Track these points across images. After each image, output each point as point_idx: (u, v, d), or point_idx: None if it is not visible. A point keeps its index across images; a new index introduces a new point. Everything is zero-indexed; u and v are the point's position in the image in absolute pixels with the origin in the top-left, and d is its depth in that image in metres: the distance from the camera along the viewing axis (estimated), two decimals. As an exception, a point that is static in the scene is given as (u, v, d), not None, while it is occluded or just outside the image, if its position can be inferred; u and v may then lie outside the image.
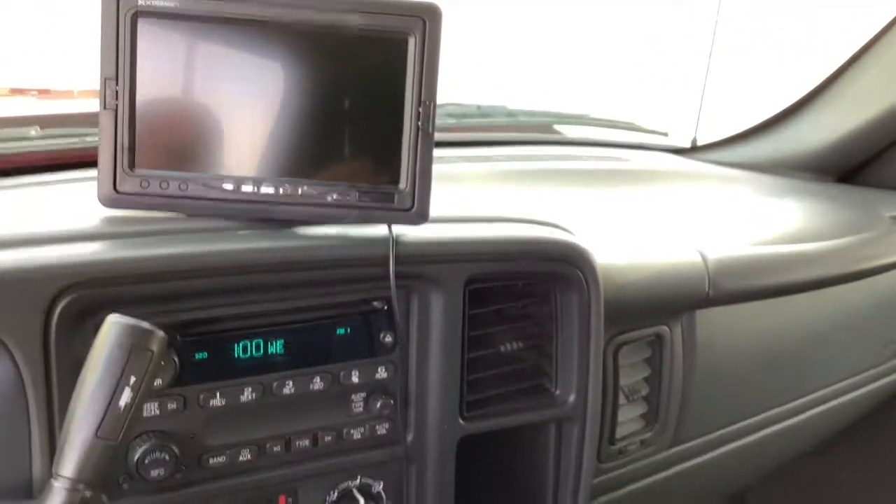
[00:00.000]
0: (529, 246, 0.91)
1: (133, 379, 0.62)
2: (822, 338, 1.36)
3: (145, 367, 0.62)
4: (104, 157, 0.77)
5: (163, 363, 0.74)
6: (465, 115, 1.68)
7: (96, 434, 0.61)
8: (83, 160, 1.01)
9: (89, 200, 0.79)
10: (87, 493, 0.62)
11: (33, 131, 1.16)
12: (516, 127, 1.75)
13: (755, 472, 1.55)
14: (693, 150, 1.86)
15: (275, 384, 0.81)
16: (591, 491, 1.05)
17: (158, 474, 0.75)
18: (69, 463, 0.61)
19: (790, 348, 1.31)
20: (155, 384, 0.75)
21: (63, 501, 0.61)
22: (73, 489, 0.61)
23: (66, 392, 0.67)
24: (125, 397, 0.61)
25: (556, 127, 1.82)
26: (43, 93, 1.35)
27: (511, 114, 1.76)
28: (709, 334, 1.17)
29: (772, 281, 1.15)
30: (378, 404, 0.86)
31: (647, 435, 1.15)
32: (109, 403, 0.61)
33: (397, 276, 0.82)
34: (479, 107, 1.72)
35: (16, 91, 1.34)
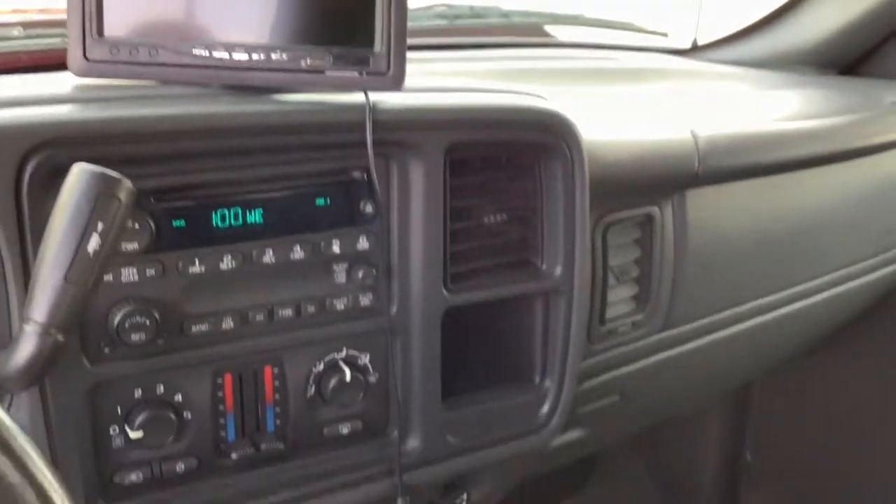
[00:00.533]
0: (511, 114, 0.90)
1: (101, 226, 0.61)
2: (819, 224, 1.35)
3: (112, 215, 0.62)
4: (72, 23, 0.76)
5: (137, 226, 0.75)
6: (457, 17, 1.65)
7: (65, 278, 0.61)
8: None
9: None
10: (60, 338, 0.62)
11: (16, 31, 1.14)
12: (510, 28, 1.72)
13: (751, 366, 1.56)
14: (693, 51, 1.83)
15: (254, 252, 0.81)
16: (581, 373, 1.05)
17: (139, 338, 0.76)
18: (40, 307, 0.61)
19: (785, 233, 1.29)
20: (130, 248, 0.75)
21: (35, 345, 0.62)
22: (44, 333, 0.62)
23: (38, 247, 0.67)
24: (93, 243, 0.61)
25: (552, 28, 1.79)
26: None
27: (505, 14, 1.73)
28: (700, 216, 1.16)
29: (764, 158, 1.14)
30: (360, 274, 0.86)
31: (639, 317, 1.15)
32: (77, 248, 0.61)
33: (375, 143, 0.81)
34: (471, 7, 1.69)
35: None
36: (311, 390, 0.88)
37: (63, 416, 0.76)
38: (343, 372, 0.88)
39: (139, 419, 0.79)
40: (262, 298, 0.83)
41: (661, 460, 2.01)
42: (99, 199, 0.62)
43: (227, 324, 0.82)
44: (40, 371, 0.63)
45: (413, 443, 0.93)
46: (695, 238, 1.17)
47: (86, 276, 0.62)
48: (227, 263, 0.80)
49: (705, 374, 1.36)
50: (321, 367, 0.88)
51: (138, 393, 0.80)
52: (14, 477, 0.47)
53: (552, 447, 1.13)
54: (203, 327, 0.81)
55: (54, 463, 0.75)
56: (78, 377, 0.76)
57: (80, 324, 0.69)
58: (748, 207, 1.23)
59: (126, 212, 0.64)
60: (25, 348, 0.62)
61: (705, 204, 1.17)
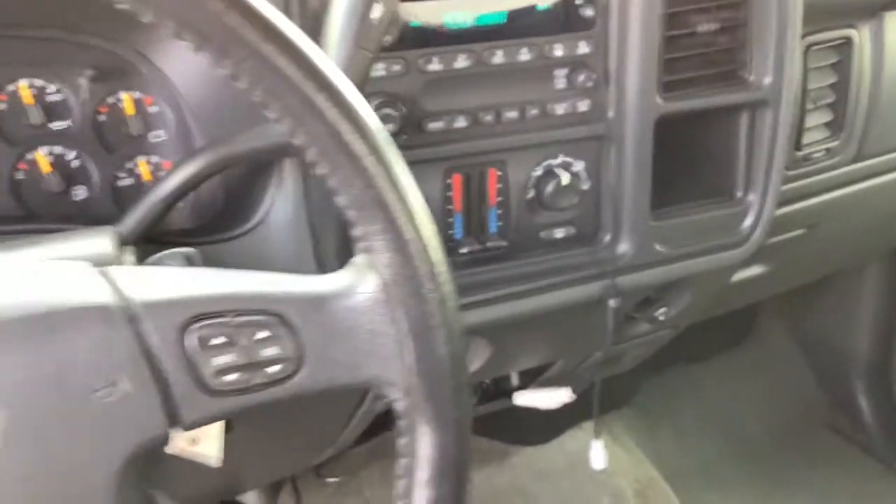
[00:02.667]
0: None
1: (381, -2, 0.66)
2: None
3: None
4: None
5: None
6: None
7: (357, 44, 0.66)
8: None
9: None
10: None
11: None
12: None
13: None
14: None
15: (485, 53, 0.85)
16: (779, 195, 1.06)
17: (388, 130, 0.82)
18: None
19: None
20: (385, 39, 0.80)
21: None
22: None
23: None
24: (376, 11, 0.66)
25: None
26: None
27: None
28: (899, 42, 1.14)
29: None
30: (581, 78, 0.89)
31: (833, 144, 1.15)
32: (364, 16, 0.66)
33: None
34: None
35: None
36: (530, 194, 0.93)
37: (323, 198, 0.82)
38: (559, 177, 0.93)
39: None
40: (490, 99, 0.88)
41: (813, 323, 2.01)
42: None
43: (460, 123, 0.87)
44: None
45: (623, 248, 0.97)
46: (892, 64, 1.15)
47: (374, 42, 0.67)
48: (461, 62, 0.85)
49: (892, 214, 1.34)
50: (539, 171, 0.93)
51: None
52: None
53: (732, 283, 1.16)
54: (439, 125, 0.86)
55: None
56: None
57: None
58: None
59: None
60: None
61: (906, 29, 1.14)
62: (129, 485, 0.46)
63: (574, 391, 1.09)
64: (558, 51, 0.88)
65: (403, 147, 0.84)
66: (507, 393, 1.18)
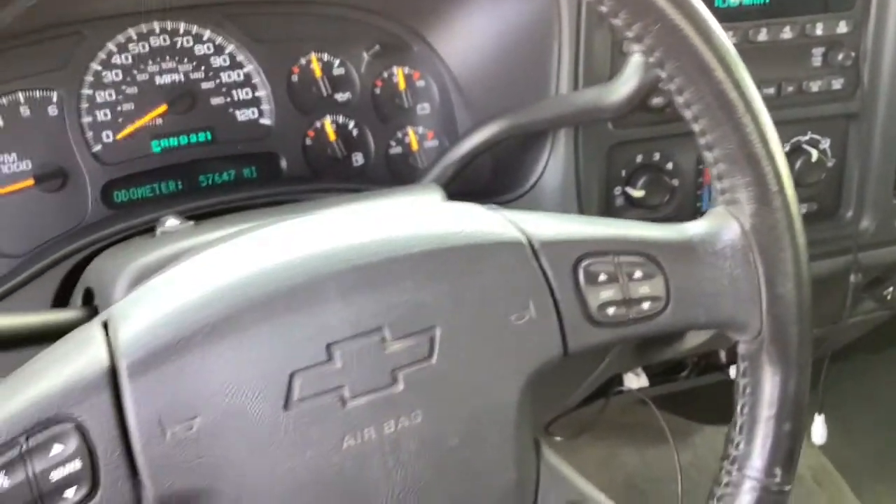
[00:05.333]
0: None
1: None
2: None
3: None
4: None
5: None
6: None
7: None
8: None
9: None
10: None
11: None
12: None
13: None
14: None
15: (751, 30, 0.89)
16: None
17: (658, 103, 0.86)
18: None
19: None
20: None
21: (640, 77, 0.73)
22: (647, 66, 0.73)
23: None
24: None
25: None
26: None
27: None
28: None
29: None
30: (838, 57, 0.92)
31: None
32: None
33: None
34: None
35: None
36: (776, 169, 0.96)
37: (589, 166, 0.88)
38: (809, 153, 0.95)
39: (641, 180, 0.91)
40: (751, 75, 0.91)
41: None
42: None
43: (720, 98, 0.90)
44: (639, 102, 0.75)
45: (865, 224, 0.99)
46: None
47: None
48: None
49: None
50: (787, 147, 0.96)
51: (640, 158, 0.91)
52: None
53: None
54: (687, 112, 0.90)
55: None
56: (604, 136, 0.88)
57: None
58: None
59: None
60: (633, 79, 0.74)
61: None
62: (527, 403, 0.52)
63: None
64: (818, 30, 0.91)
65: (667, 121, 0.90)
66: (718, 367, 1.21)
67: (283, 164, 0.92)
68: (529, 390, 0.52)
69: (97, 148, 0.85)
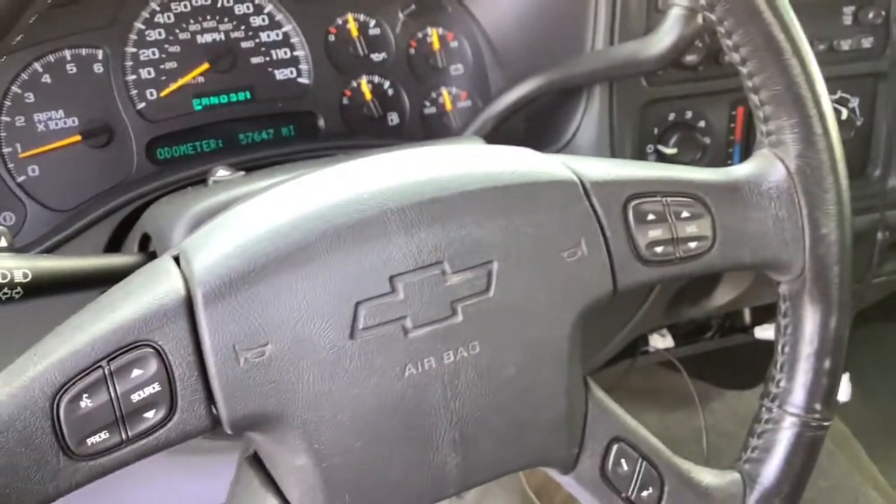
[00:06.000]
0: None
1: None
2: None
3: None
4: None
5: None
6: None
7: None
8: None
9: None
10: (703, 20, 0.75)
11: None
12: None
13: None
14: None
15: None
16: None
17: (693, 60, 0.88)
18: None
19: None
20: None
21: (681, 28, 0.75)
22: (690, 16, 0.74)
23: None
24: None
25: None
26: None
27: None
28: None
29: None
30: (869, 15, 0.93)
31: None
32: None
33: None
34: None
35: None
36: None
37: (622, 123, 0.89)
38: (838, 111, 0.96)
39: (674, 138, 0.92)
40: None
41: None
42: None
43: (753, 55, 0.92)
44: (679, 53, 0.76)
45: (893, 182, 1.01)
46: None
47: None
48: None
49: None
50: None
51: (672, 116, 0.93)
52: None
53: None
54: (735, 56, 0.91)
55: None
56: (638, 93, 0.89)
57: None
58: None
59: None
60: (671, 33, 0.75)
61: None
62: (577, 338, 0.54)
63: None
64: (848, -14, 0.92)
65: (700, 79, 0.91)
66: (742, 329, 1.23)
67: (321, 122, 0.94)
68: (580, 325, 0.54)
69: (141, 105, 0.87)
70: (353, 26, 0.94)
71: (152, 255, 0.66)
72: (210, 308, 0.46)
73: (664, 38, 0.77)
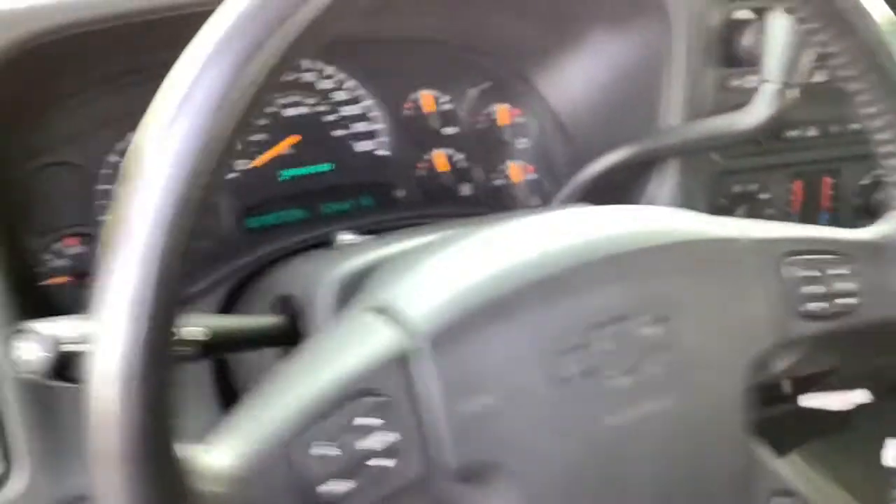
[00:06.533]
0: None
1: None
2: None
3: None
4: None
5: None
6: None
7: None
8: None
9: None
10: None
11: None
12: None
13: None
14: None
15: (840, 69, 0.96)
16: None
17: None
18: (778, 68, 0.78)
19: None
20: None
21: (771, 103, 0.79)
22: (781, 92, 0.78)
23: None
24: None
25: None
26: None
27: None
28: None
29: None
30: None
31: None
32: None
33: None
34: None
35: None
36: (856, 201, 1.02)
37: (695, 194, 0.93)
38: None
39: (741, 209, 0.96)
40: (839, 111, 0.97)
41: None
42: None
43: (811, 132, 0.97)
44: (775, 123, 0.80)
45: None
46: None
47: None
48: (816, 77, 0.95)
49: None
50: (867, 180, 1.02)
51: (737, 188, 0.97)
52: None
53: None
54: (795, 133, 0.96)
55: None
56: (711, 164, 0.93)
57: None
58: None
59: None
60: (767, 106, 0.79)
61: None
62: (747, 393, 0.56)
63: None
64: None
65: (759, 153, 0.95)
66: (782, 398, 1.24)
67: (399, 193, 0.96)
68: (754, 369, 0.56)
69: (233, 175, 0.88)
70: (428, 101, 0.97)
71: (294, 316, 0.66)
72: (431, 357, 0.46)
73: (760, 110, 0.80)
